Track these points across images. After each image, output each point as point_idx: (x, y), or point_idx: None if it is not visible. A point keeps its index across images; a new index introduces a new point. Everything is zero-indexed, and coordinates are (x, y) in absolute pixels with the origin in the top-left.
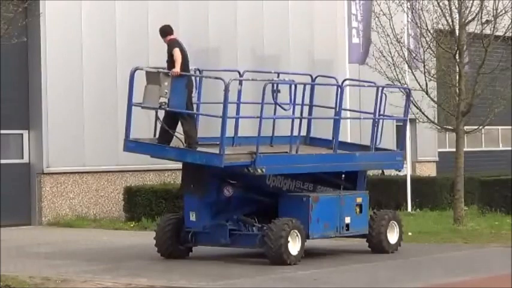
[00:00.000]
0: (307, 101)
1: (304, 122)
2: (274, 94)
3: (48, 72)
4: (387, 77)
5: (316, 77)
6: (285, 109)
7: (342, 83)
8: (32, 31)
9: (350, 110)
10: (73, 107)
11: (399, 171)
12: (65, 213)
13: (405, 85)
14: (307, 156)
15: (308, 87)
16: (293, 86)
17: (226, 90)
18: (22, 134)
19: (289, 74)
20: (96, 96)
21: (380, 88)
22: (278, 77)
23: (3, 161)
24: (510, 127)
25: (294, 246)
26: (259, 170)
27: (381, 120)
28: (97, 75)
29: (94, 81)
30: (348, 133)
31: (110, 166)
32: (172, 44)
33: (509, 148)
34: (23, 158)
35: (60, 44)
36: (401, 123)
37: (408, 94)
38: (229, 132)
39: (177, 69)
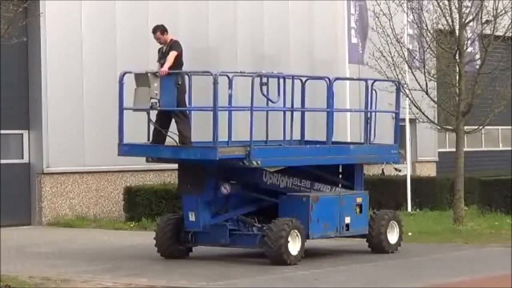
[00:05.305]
0: (300, 101)
1: (298, 125)
2: (262, 87)
3: (48, 72)
4: (387, 77)
5: (306, 80)
6: (273, 102)
7: (334, 80)
8: (32, 31)
9: (347, 110)
10: (73, 107)
11: (399, 171)
12: (65, 213)
13: (405, 85)
14: (302, 149)
15: (299, 86)
16: (281, 80)
17: (215, 83)
18: (22, 134)
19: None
20: (96, 96)
21: (370, 83)
22: (267, 80)
23: (3, 161)
24: (510, 127)
25: (294, 246)
26: (254, 163)
27: (373, 116)
28: (97, 75)
29: (94, 81)
30: (348, 134)
31: (110, 166)
32: (176, 46)
33: (509, 148)
34: (23, 158)
35: (60, 44)
36: (403, 123)
37: (398, 87)
38: (223, 136)
39: (165, 68)
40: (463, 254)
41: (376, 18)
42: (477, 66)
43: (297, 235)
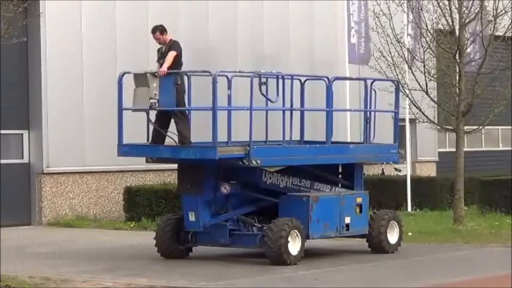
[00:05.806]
0: (299, 101)
1: (298, 125)
2: (262, 87)
3: (48, 72)
4: (387, 77)
5: (305, 80)
6: (272, 101)
7: (333, 80)
8: (32, 31)
9: (347, 110)
10: (73, 107)
11: (399, 171)
12: (65, 213)
13: (405, 85)
14: (301, 148)
15: (299, 86)
16: (280, 79)
17: (214, 81)
18: (22, 134)
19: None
20: (96, 96)
21: (369, 82)
22: (267, 80)
23: (3, 161)
24: (510, 127)
25: (294, 246)
26: (253, 162)
27: (373, 116)
28: (97, 75)
29: (94, 81)
30: (348, 134)
31: (110, 166)
32: (175, 46)
33: (509, 148)
34: (23, 158)
35: (60, 44)
36: (403, 123)
37: (397, 86)
38: (223, 136)
39: (164, 68)
40: (463, 254)
41: (376, 18)
42: (477, 66)
43: (297, 235)
